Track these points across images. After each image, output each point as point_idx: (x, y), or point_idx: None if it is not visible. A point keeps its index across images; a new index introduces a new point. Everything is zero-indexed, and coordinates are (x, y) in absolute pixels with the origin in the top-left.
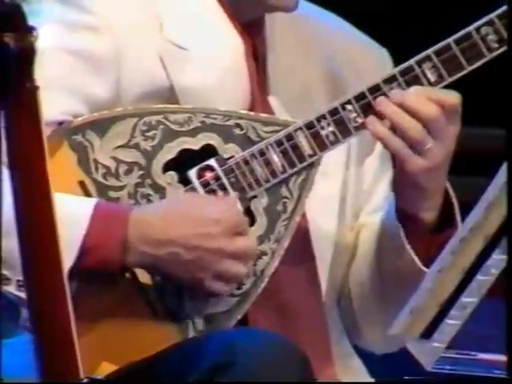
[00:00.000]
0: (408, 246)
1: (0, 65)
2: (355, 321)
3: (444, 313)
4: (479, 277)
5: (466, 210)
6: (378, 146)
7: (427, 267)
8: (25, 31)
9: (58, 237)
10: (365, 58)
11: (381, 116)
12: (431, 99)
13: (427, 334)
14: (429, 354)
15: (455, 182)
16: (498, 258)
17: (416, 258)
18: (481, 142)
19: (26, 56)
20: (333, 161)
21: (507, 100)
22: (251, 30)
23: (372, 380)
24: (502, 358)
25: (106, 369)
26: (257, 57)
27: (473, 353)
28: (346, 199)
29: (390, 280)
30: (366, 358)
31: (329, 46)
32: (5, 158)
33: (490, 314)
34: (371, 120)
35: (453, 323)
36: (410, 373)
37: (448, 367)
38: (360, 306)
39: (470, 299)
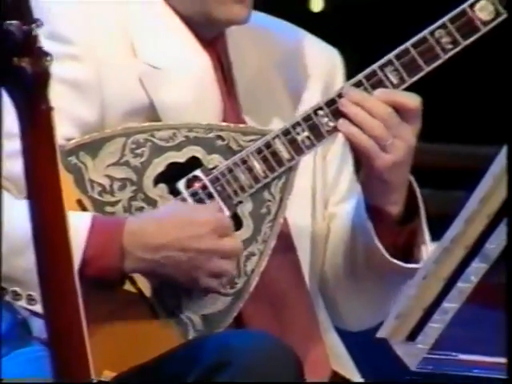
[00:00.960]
0: (376, 238)
1: (17, 87)
2: (332, 300)
3: (427, 317)
4: (460, 284)
5: (447, 222)
6: (338, 140)
7: (394, 256)
8: (40, 56)
9: (71, 250)
10: (319, 60)
11: (349, 118)
12: (392, 101)
13: (412, 336)
14: (413, 355)
15: (438, 195)
16: (477, 267)
17: (383, 250)
18: (462, 159)
19: (41, 79)
20: (302, 158)
21: (502, 114)
22: (215, 45)
23: (354, 367)
24: (483, 358)
25: (108, 375)
26: (223, 69)
27: (454, 353)
28: (316, 192)
29: (361, 265)
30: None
31: (286, 52)
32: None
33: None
34: (342, 122)
35: (436, 327)
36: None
37: (430, 367)
38: (335, 286)
39: (451, 305)
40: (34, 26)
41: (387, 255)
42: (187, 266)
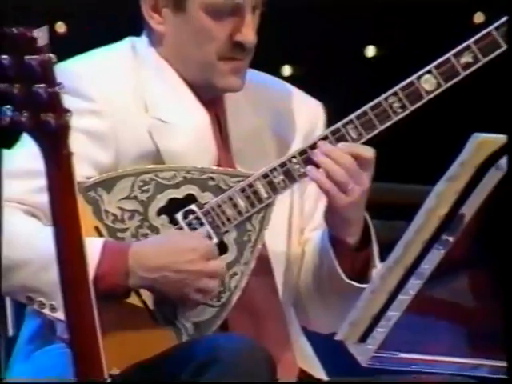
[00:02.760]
0: (336, 263)
1: (44, 137)
2: (304, 310)
3: (375, 323)
4: (400, 296)
5: (391, 247)
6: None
7: (351, 278)
8: (62, 112)
9: (87, 268)
10: (304, 114)
11: (317, 165)
12: (351, 152)
13: (363, 339)
14: (364, 354)
15: (382, 225)
16: (413, 283)
17: (342, 273)
18: (403, 196)
19: (62, 130)
20: (278, 196)
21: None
22: (214, 104)
23: (320, 366)
24: (420, 356)
25: (116, 371)
26: (220, 124)
27: (395, 352)
28: (292, 220)
29: (326, 283)
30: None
31: (275, 106)
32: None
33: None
34: (310, 169)
35: (381, 331)
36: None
37: (378, 364)
38: (306, 299)
39: (393, 313)
40: (57, 88)
41: (345, 278)
42: (180, 284)
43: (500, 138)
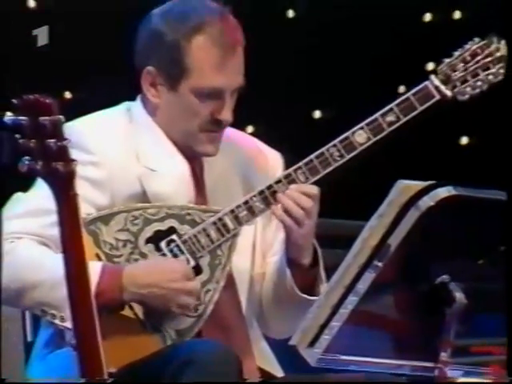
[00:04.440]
0: (292, 281)
1: (55, 181)
2: (265, 319)
3: (321, 331)
4: (341, 310)
5: (333, 270)
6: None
7: (304, 292)
8: (69, 161)
9: (90, 286)
10: (265, 161)
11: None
12: (300, 191)
13: (312, 344)
14: (312, 356)
15: (327, 253)
16: (351, 299)
17: (296, 289)
18: (343, 229)
19: (69, 176)
20: (243, 227)
21: None
22: (192, 157)
23: (278, 365)
24: (357, 358)
25: (112, 369)
26: (196, 173)
27: (337, 355)
28: (256, 247)
29: (284, 297)
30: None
31: (242, 157)
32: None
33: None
34: (274, 208)
35: (326, 338)
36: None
37: (323, 364)
38: (267, 310)
39: (336, 323)
40: (65, 142)
41: (299, 292)
42: (164, 299)
43: (419, 185)
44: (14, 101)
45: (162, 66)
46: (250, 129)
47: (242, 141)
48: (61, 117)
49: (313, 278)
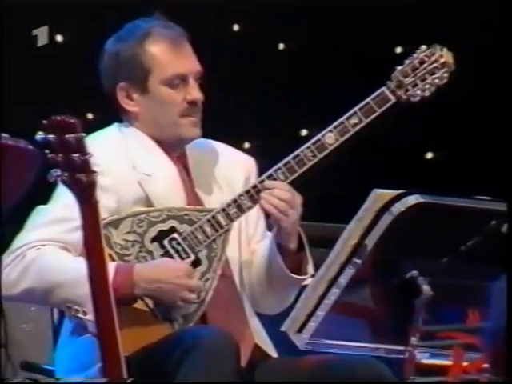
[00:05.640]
0: (282, 263)
1: (79, 190)
2: (258, 298)
3: (308, 319)
4: (325, 301)
5: (318, 266)
6: (253, 212)
7: (293, 272)
8: (90, 173)
9: (108, 283)
10: (243, 164)
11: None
12: (282, 188)
13: (300, 330)
14: (301, 341)
15: (313, 251)
16: (334, 291)
17: (286, 269)
18: (327, 231)
19: (92, 185)
20: (234, 223)
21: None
22: (180, 159)
23: (271, 344)
24: (339, 342)
25: (127, 353)
26: (185, 174)
27: (322, 339)
28: (241, 236)
29: (274, 278)
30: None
31: (223, 160)
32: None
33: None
34: (263, 202)
35: (312, 325)
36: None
37: (310, 347)
38: (259, 290)
39: (321, 312)
40: (87, 156)
41: (289, 272)
42: (169, 293)
43: (391, 193)
44: (44, 121)
45: (129, 77)
46: (246, 144)
47: (222, 146)
48: (83, 134)
49: (300, 260)
